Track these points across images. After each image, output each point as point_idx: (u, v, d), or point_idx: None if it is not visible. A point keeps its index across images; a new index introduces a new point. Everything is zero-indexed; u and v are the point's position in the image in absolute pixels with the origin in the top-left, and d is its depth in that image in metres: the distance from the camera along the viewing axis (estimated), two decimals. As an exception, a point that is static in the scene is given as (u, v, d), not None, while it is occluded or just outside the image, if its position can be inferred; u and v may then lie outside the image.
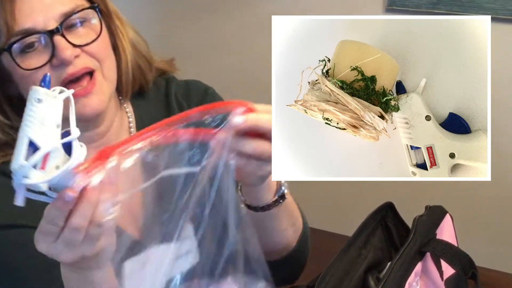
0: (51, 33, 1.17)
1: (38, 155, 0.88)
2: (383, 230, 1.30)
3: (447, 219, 1.31)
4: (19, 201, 0.91)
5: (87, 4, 1.23)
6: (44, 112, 0.89)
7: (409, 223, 1.28)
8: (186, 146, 0.98)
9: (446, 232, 1.29)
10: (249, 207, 1.19)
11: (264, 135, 0.99)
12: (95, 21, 1.24)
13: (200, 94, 1.44)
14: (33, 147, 0.89)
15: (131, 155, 0.94)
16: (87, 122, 1.26)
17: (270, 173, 1.06)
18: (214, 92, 1.46)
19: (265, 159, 1.01)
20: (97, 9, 1.24)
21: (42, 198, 0.93)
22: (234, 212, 1.02)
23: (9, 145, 1.24)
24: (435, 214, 1.30)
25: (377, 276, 1.20)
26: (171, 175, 1.00)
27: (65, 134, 0.91)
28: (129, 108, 1.40)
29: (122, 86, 1.33)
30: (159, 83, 1.45)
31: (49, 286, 1.17)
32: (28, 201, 1.21)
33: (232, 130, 0.96)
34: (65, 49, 1.17)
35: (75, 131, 0.91)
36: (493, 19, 2.28)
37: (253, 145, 0.99)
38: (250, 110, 0.98)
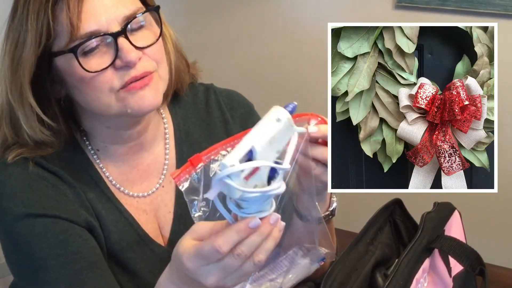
0: (115, 35, 1.18)
1: (250, 164, 0.91)
2: (391, 227, 1.30)
3: (456, 215, 1.31)
4: (211, 195, 0.93)
5: (143, 7, 1.24)
6: (277, 134, 0.93)
7: (417, 219, 1.28)
8: None
9: (454, 228, 1.29)
10: (301, 218, 1.23)
11: None
12: (152, 23, 1.25)
13: (244, 107, 1.48)
14: (249, 156, 0.91)
15: (216, 160, 1.02)
16: (135, 118, 1.28)
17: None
18: (254, 108, 1.50)
19: None
20: (158, 12, 1.26)
21: (221, 209, 0.95)
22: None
23: (46, 143, 1.26)
24: (443, 211, 1.30)
25: (385, 272, 1.21)
26: None
27: (275, 163, 0.94)
28: (165, 113, 1.42)
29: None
30: (196, 90, 1.47)
31: (71, 278, 1.21)
32: (60, 194, 1.25)
33: (306, 137, 1.07)
34: (130, 51, 1.19)
35: (287, 164, 0.94)
36: (502, 16, 2.28)
37: (322, 151, 1.09)
38: (323, 122, 1.09)
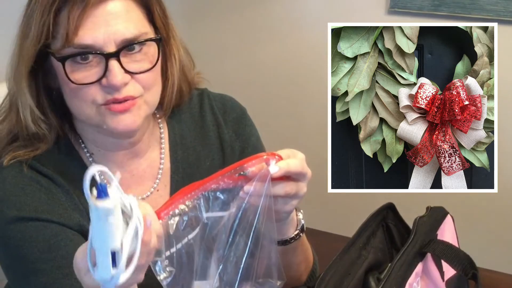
0: (108, 56, 1.16)
1: (123, 261, 0.87)
2: (384, 231, 1.30)
3: (448, 220, 1.31)
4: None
5: (150, 31, 1.23)
6: (115, 220, 0.88)
7: (410, 224, 1.28)
8: (226, 192, 1.09)
9: (447, 233, 1.29)
10: (270, 239, 1.21)
11: (290, 176, 1.09)
12: (152, 50, 1.23)
13: (236, 111, 1.46)
14: (114, 254, 0.88)
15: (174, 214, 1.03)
16: (111, 135, 1.27)
17: (294, 207, 1.15)
18: (247, 113, 1.49)
19: (292, 196, 1.11)
20: (159, 42, 1.24)
21: None
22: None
23: (39, 138, 1.26)
24: (436, 215, 1.30)
25: (378, 276, 1.20)
26: (209, 217, 1.08)
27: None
28: (160, 117, 1.41)
29: (162, 107, 1.34)
30: (191, 94, 1.45)
31: (61, 282, 1.19)
32: (53, 198, 1.24)
33: (269, 179, 1.06)
34: (117, 75, 1.17)
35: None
36: (495, 21, 2.29)
37: (282, 186, 1.09)
38: (280, 159, 1.08)
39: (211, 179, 1.06)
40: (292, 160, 1.09)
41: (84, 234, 1.25)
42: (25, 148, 1.26)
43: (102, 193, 0.87)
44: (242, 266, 1.07)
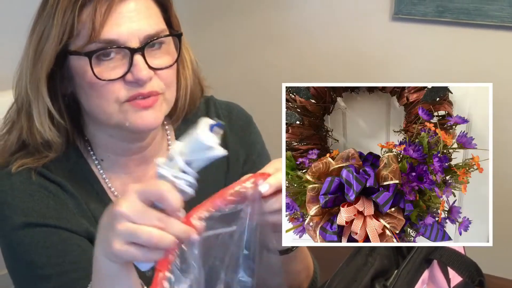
0: (133, 51, 1.19)
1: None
2: (390, 238, 1.29)
3: (455, 226, 1.31)
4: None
5: (167, 29, 1.26)
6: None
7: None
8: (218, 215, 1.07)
9: (453, 239, 1.29)
10: (271, 251, 1.21)
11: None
12: (172, 46, 1.27)
13: (242, 119, 1.49)
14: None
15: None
16: (136, 135, 1.29)
17: None
18: (253, 121, 1.51)
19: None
20: (180, 38, 1.27)
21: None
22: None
23: (49, 146, 1.27)
24: (442, 222, 1.30)
25: (384, 283, 1.20)
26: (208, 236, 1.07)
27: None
28: (168, 125, 1.43)
29: (175, 111, 1.36)
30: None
31: (69, 287, 1.20)
32: (61, 204, 1.26)
33: (260, 198, 1.05)
34: (143, 70, 1.20)
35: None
36: (500, 27, 2.29)
37: (275, 200, 1.07)
38: (267, 176, 1.06)
39: (202, 206, 1.05)
40: (279, 173, 1.07)
41: (91, 241, 1.26)
42: (33, 155, 1.27)
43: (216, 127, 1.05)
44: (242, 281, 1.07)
